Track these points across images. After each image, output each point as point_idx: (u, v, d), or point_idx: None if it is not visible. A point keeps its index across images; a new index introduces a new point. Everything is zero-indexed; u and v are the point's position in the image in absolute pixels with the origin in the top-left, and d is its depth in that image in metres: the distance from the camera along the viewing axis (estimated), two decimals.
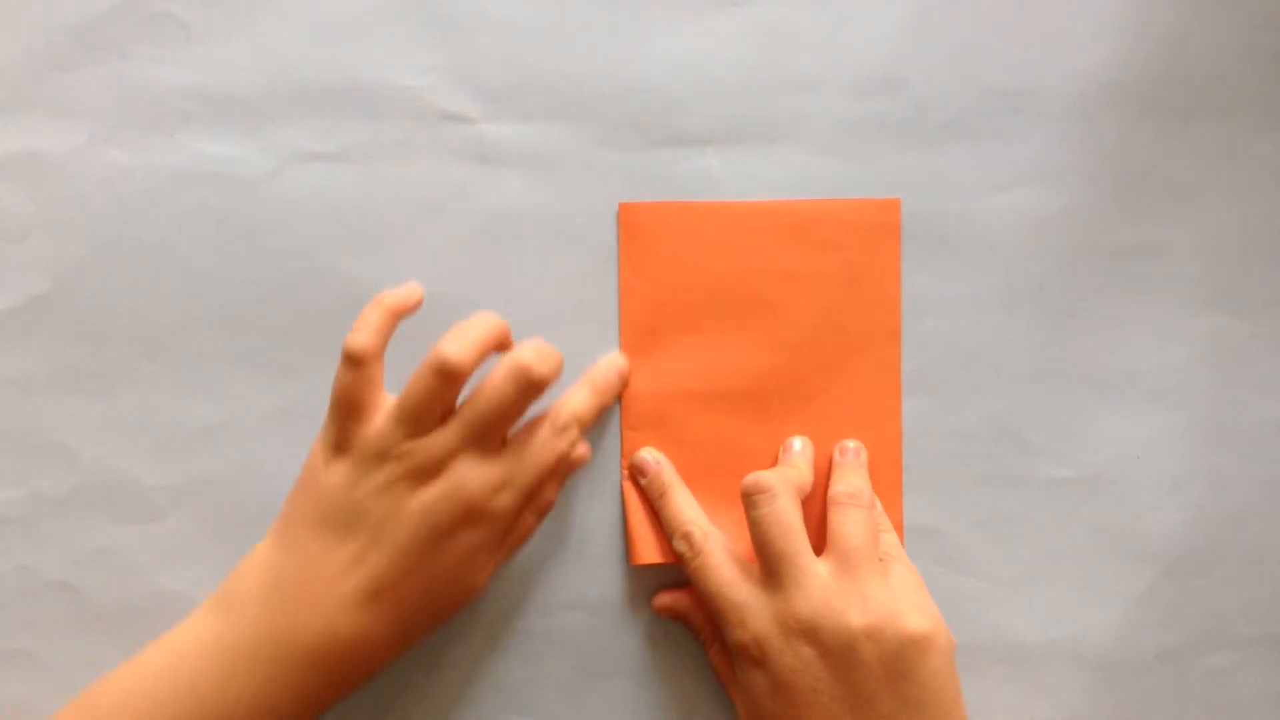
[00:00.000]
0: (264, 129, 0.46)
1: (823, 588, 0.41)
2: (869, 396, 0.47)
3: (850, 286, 0.46)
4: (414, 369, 0.41)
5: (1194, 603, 0.47)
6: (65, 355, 0.47)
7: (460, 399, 0.42)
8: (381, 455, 0.41)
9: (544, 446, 0.43)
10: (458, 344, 0.41)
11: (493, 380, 0.41)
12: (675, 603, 0.46)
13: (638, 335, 0.46)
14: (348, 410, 0.41)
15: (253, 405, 0.47)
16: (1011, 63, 0.47)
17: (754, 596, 0.42)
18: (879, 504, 0.46)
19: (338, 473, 0.41)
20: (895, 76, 0.47)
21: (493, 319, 0.43)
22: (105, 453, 0.47)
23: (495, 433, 0.42)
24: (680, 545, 0.44)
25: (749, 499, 0.42)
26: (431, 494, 0.41)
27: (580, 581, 0.47)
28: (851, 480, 0.44)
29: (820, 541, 0.44)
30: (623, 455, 0.47)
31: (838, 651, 0.40)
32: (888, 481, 0.47)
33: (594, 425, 0.46)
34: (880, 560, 0.42)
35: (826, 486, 0.45)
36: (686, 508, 0.45)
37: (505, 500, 0.42)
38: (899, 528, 0.47)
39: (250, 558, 0.42)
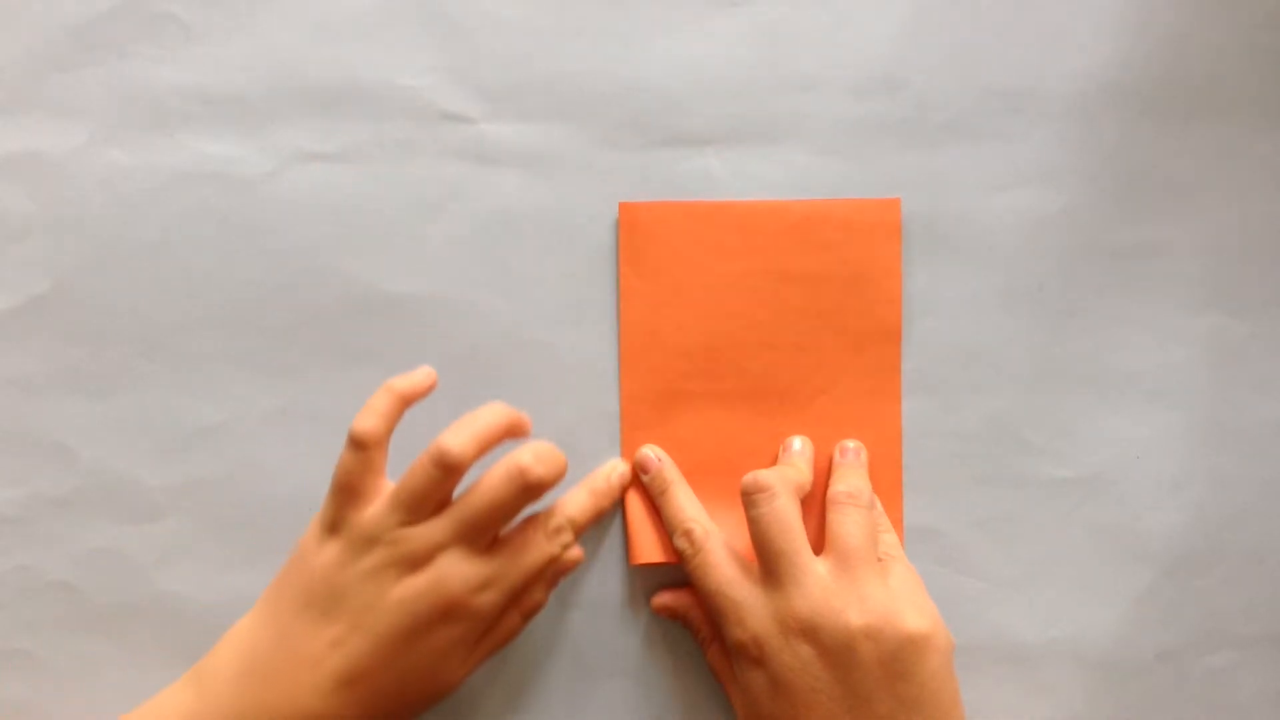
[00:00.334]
0: (264, 129, 0.47)
1: (822, 587, 0.41)
2: (869, 396, 0.47)
3: (850, 286, 0.46)
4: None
5: (1194, 603, 0.47)
6: (65, 355, 0.47)
7: (462, 488, 0.42)
8: (372, 540, 0.41)
9: (535, 549, 0.42)
10: (460, 436, 0.41)
11: (489, 478, 0.41)
12: (674, 602, 0.46)
13: (638, 335, 0.46)
14: (346, 493, 0.41)
15: (253, 405, 0.47)
16: (1011, 63, 0.47)
17: (753, 595, 0.42)
18: (879, 504, 0.46)
19: (328, 553, 0.41)
20: (895, 76, 0.47)
21: (501, 411, 0.42)
22: (105, 453, 0.47)
23: (486, 530, 0.41)
24: (681, 543, 0.44)
25: (748, 498, 0.42)
26: (414, 585, 0.40)
27: (580, 581, 0.47)
28: (851, 480, 0.44)
29: (820, 541, 0.44)
30: (623, 455, 0.47)
31: (836, 651, 0.40)
32: (888, 481, 0.47)
33: (593, 441, 0.46)
34: (880, 560, 0.42)
35: (826, 486, 0.45)
36: (688, 505, 0.45)
37: (488, 599, 0.41)
38: (899, 528, 0.47)
39: (233, 630, 0.42)
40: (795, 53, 0.47)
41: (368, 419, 0.41)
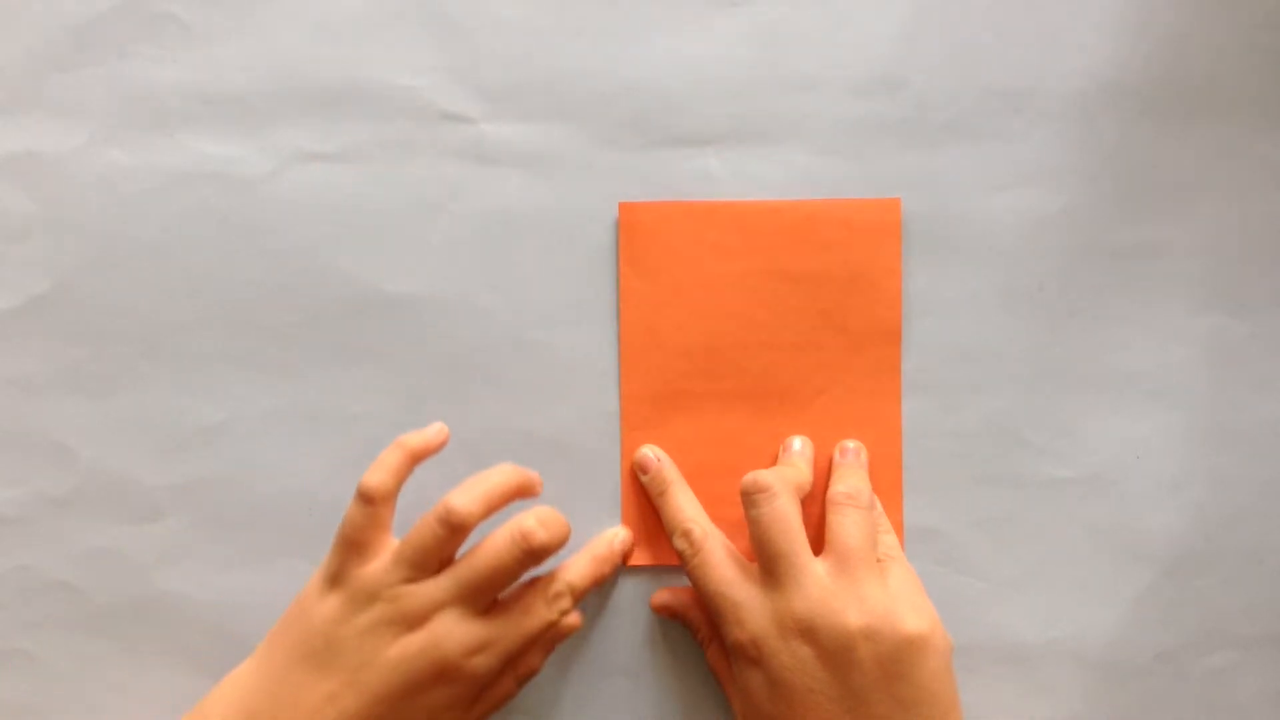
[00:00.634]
0: (264, 129, 0.46)
1: (821, 587, 0.41)
2: (869, 396, 0.47)
3: (850, 286, 0.46)
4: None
5: (1194, 603, 0.47)
6: (65, 355, 0.47)
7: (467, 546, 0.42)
8: (372, 596, 0.41)
9: (533, 614, 0.42)
10: (468, 495, 0.41)
11: (492, 540, 0.41)
12: (673, 601, 0.46)
13: (638, 335, 0.46)
14: (351, 547, 0.41)
15: (253, 405, 0.47)
16: (1011, 63, 0.47)
17: (752, 595, 0.42)
18: (879, 504, 0.46)
19: (329, 606, 0.41)
20: (895, 76, 0.47)
21: (510, 471, 0.42)
22: (105, 453, 0.47)
23: (486, 593, 0.41)
24: (680, 543, 0.44)
25: (748, 498, 0.42)
26: (411, 644, 0.40)
27: None
28: (851, 481, 0.44)
29: (820, 541, 0.44)
30: (623, 455, 0.47)
31: (835, 651, 0.40)
32: (888, 481, 0.47)
33: (592, 441, 0.46)
34: (879, 561, 0.42)
35: (826, 486, 0.45)
36: (687, 505, 0.45)
37: (483, 662, 0.41)
38: (899, 528, 0.47)
39: (231, 676, 0.42)
40: (795, 53, 0.47)
41: (377, 474, 0.41)
